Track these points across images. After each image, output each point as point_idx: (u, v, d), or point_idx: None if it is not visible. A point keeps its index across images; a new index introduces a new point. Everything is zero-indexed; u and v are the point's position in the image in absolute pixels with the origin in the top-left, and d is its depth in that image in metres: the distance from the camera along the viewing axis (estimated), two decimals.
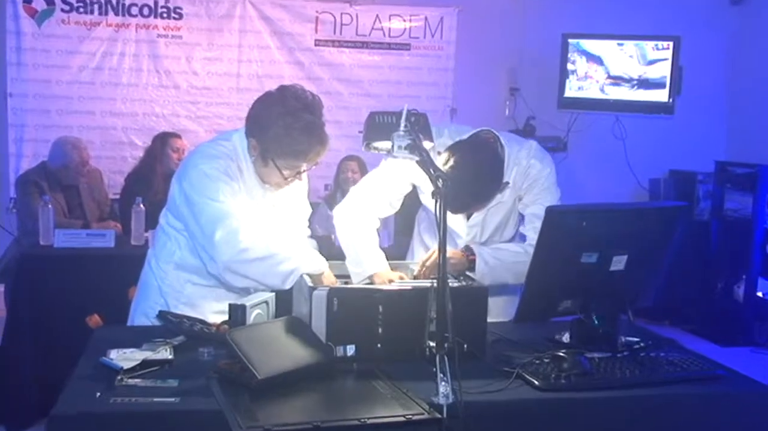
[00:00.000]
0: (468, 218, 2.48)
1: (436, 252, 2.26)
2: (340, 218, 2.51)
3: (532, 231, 2.36)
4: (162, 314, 2.12)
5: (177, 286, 2.23)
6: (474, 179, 2.22)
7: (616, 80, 5.68)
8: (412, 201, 2.62)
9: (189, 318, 2.07)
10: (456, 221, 2.47)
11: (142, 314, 2.26)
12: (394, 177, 2.45)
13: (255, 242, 2.02)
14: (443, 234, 1.67)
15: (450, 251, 2.37)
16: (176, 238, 2.22)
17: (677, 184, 5.76)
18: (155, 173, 4.75)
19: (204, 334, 1.99)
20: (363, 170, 5.12)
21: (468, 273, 2.33)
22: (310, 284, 1.95)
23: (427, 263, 2.29)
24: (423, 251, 2.55)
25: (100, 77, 5.49)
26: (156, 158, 4.79)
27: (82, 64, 5.45)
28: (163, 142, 4.87)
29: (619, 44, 5.67)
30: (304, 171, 2.17)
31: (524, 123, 5.88)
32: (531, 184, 2.42)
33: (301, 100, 2.08)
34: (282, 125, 2.05)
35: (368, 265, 2.36)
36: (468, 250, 2.39)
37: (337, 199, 5.10)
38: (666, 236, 2.05)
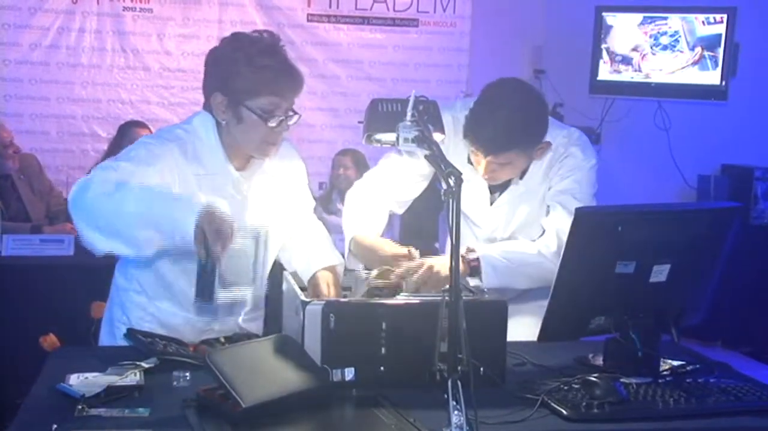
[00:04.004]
0: (492, 202, 2.49)
1: (426, 264, 2.22)
2: (349, 197, 2.57)
3: (552, 222, 2.36)
4: (130, 333, 2.14)
5: (139, 301, 2.25)
6: (518, 107, 2.23)
7: (658, 60, 5.69)
8: (429, 203, 2.65)
9: (162, 337, 2.10)
10: (478, 207, 2.49)
11: (108, 333, 2.29)
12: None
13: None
14: (456, 238, 1.70)
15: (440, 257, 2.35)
16: None
17: (731, 181, 5.76)
18: None
19: (180, 355, 2.02)
20: (359, 166, 5.14)
21: (471, 282, 2.32)
22: (303, 297, 1.97)
23: (413, 277, 2.19)
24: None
25: (55, 57, 5.53)
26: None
27: (33, 42, 5.49)
28: (122, 133, 4.91)
29: (662, 17, 5.69)
30: (286, 117, 2.13)
31: (550, 111, 5.88)
32: (565, 173, 2.43)
33: (255, 34, 2.18)
34: (240, 56, 2.09)
35: (352, 227, 2.42)
36: (469, 252, 2.34)
37: (332, 199, 5.14)
38: (717, 243, 2.07)
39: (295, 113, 2.16)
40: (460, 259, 2.29)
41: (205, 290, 1.88)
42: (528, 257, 2.34)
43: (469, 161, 2.41)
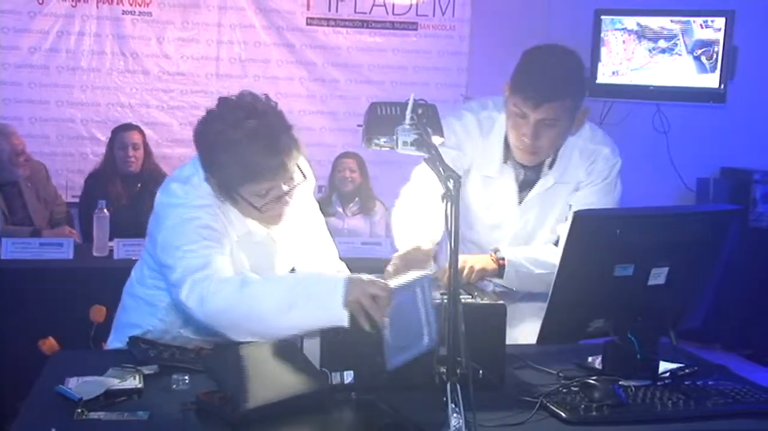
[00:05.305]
0: (521, 201, 2.51)
1: (467, 262, 2.33)
2: (402, 196, 2.50)
3: None
4: (132, 341, 2.14)
5: (159, 327, 2.24)
6: (567, 59, 2.34)
7: (657, 64, 5.70)
8: None
9: (164, 344, 2.10)
10: (504, 206, 2.51)
11: (119, 335, 2.28)
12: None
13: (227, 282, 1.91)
14: (455, 243, 1.70)
15: (468, 255, 2.41)
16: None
17: (730, 184, 5.77)
18: (115, 173, 4.79)
19: (177, 361, 2.02)
20: (362, 169, 5.16)
21: (494, 280, 2.38)
22: None
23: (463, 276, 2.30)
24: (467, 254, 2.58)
25: (54, 61, 5.52)
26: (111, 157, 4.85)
27: (32, 45, 5.48)
28: (113, 136, 4.91)
29: (661, 21, 5.69)
30: (284, 194, 2.07)
31: None
32: (596, 175, 2.48)
33: (243, 108, 2.03)
34: (223, 143, 1.99)
35: (398, 242, 2.34)
36: (496, 252, 2.42)
37: (332, 202, 5.15)
38: (716, 246, 2.07)
39: (303, 175, 2.10)
40: (489, 257, 2.40)
41: (379, 356, 1.77)
42: (550, 266, 2.32)
43: (504, 161, 2.45)
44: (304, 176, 2.12)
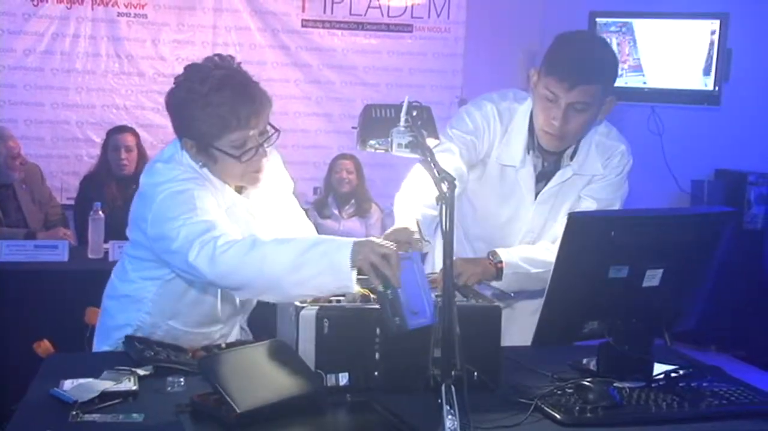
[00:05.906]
0: (536, 195, 2.51)
1: (467, 268, 2.32)
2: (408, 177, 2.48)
3: None
4: (128, 340, 2.14)
5: (149, 321, 2.24)
6: (602, 44, 2.40)
7: (652, 66, 5.72)
8: None
9: (160, 344, 2.10)
10: (521, 195, 2.51)
11: (104, 337, 2.27)
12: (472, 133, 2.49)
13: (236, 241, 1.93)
14: (450, 246, 1.70)
15: (464, 258, 2.42)
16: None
17: (724, 186, 5.79)
18: (110, 175, 4.79)
19: (171, 362, 2.01)
20: (359, 171, 5.16)
21: (493, 283, 2.39)
22: (297, 302, 1.97)
23: (460, 279, 2.28)
24: (471, 253, 2.59)
25: (50, 63, 5.52)
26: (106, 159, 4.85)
27: (27, 47, 5.48)
28: (108, 138, 4.91)
29: (656, 23, 5.71)
30: (260, 145, 2.08)
31: None
32: (610, 170, 2.50)
33: (208, 64, 2.10)
34: (194, 97, 2.03)
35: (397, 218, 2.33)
36: (493, 256, 2.42)
37: (328, 203, 5.15)
38: (710, 248, 2.08)
39: (275, 129, 2.12)
40: (487, 262, 2.39)
41: (396, 317, 1.77)
42: (546, 265, 2.31)
43: (527, 151, 2.45)
44: (276, 129, 2.12)
